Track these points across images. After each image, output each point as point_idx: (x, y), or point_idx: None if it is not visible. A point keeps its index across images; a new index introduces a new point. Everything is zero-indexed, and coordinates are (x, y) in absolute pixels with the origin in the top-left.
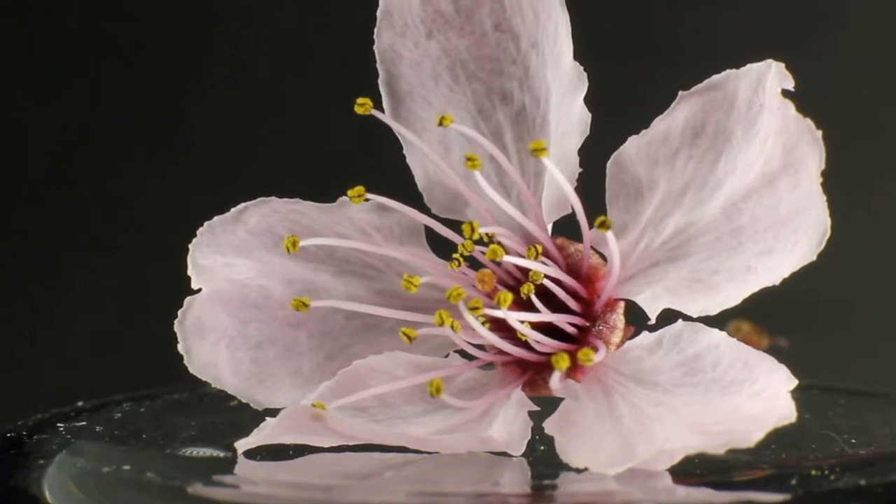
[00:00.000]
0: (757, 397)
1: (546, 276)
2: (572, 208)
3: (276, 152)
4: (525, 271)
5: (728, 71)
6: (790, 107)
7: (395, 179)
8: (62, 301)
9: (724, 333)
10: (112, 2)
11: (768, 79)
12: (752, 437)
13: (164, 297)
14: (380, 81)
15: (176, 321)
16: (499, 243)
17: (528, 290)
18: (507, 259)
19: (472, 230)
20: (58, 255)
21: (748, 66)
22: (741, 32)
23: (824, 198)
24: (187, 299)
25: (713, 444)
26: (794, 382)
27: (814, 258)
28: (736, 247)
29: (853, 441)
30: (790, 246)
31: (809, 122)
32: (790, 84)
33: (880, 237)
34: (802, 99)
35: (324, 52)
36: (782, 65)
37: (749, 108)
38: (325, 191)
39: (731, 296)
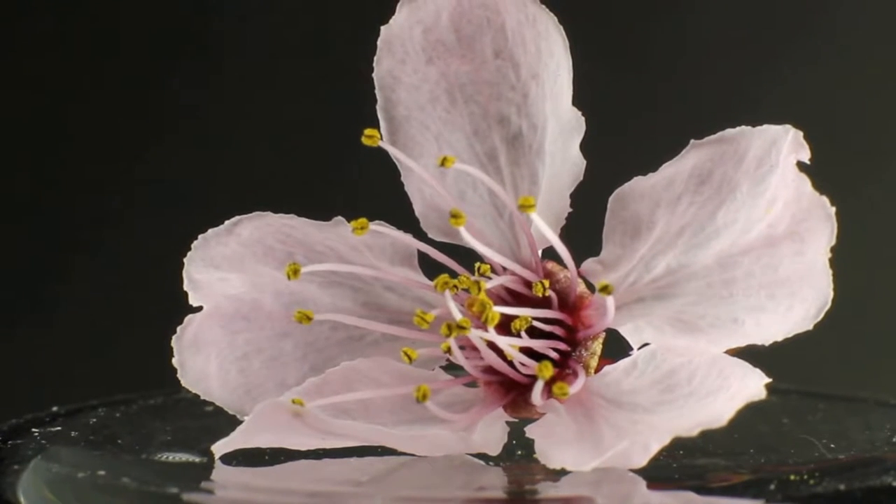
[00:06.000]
0: (732, 401)
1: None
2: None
3: (276, 167)
4: (515, 294)
5: (743, 127)
6: (806, 182)
7: (390, 194)
8: (55, 303)
9: None
10: (109, 4)
11: (784, 144)
12: (724, 416)
13: (155, 305)
14: (378, 107)
15: (174, 337)
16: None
17: (519, 325)
18: (495, 309)
19: (479, 290)
20: (52, 256)
21: (764, 126)
22: (738, 67)
23: (830, 272)
24: (188, 317)
25: (686, 429)
26: (767, 380)
27: (810, 327)
28: (726, 297)
29: (832, 446)
30: (783, 309)
31: (824, 200)
32: (806, 155)
33: (860, 240)
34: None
35: (322, 63)
36: (800, 133)
37: (759, 166)
38: (323, 208)
39: (715, 342)
